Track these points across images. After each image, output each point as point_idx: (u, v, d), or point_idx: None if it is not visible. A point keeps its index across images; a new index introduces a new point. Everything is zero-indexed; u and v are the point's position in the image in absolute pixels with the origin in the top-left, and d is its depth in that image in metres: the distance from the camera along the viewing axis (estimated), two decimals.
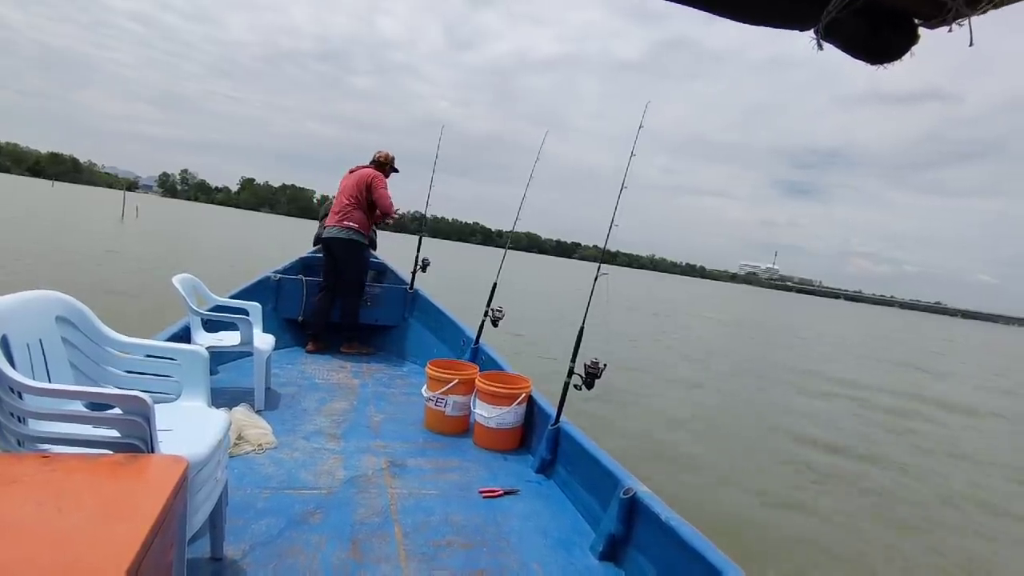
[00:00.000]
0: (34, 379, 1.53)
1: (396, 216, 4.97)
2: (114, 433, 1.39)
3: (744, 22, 1.33)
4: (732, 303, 48.04)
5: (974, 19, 1.14)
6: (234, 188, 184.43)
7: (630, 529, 2.12)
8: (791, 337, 21.91)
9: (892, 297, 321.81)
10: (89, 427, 1.44)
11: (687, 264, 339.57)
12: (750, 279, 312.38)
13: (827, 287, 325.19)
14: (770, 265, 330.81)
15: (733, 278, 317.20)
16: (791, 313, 45.59)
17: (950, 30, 1.21)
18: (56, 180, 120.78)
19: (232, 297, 4.08)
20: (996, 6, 1.08)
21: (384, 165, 4.99)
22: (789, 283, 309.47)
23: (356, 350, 4.93)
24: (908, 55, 1.31)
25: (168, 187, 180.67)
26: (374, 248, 6.01)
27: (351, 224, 4.71)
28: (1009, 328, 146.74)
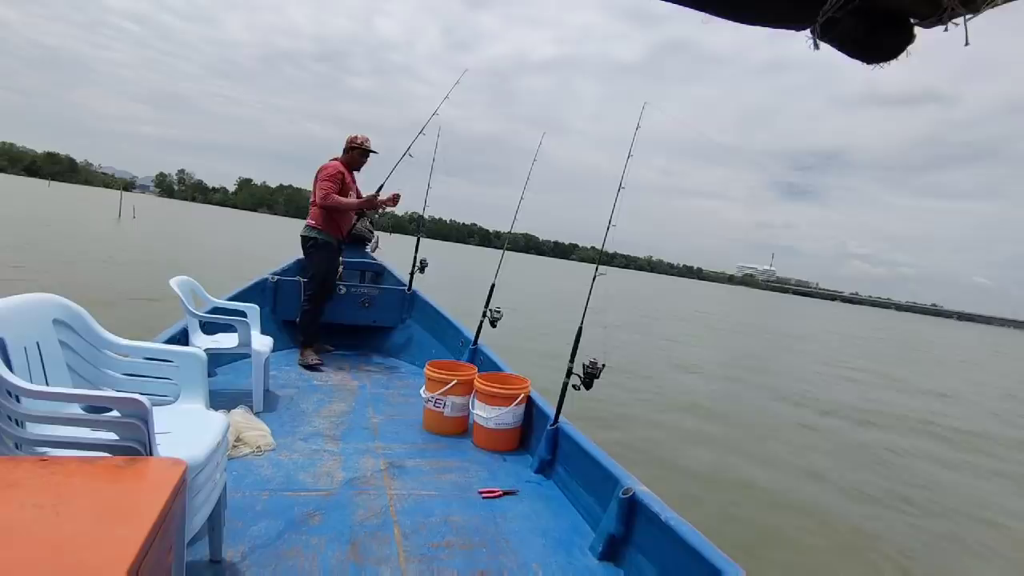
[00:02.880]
0: (32, 382, 1.53)
1: (329, 203, 4.20)
2: (112, 436, 1.39)
3: (740, 22, 1.33)
4: (730, 306, 48.04)
5: (971, 19, 1.14)
6: (231, 188, 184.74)
7: (630, 529, 2.12)
8: (790, 342, 21.91)
9: (889, 299, 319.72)
10: (87, 430, 1.44)
11: (684, 266, 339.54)
12: (747, 281, 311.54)
13: (824, 289, 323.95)
14: (767, 267, 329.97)
15: (730, 280, 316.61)
16: (788, 316, 45.51)
17: (946, 29, 1.21)
18: (52, 180, 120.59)
19: (230, 299, 4.07)
20: (993, 5, 1.08)
21: (349, 151, 4.45)
22: (787, 285, 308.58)
23: (306, 359, 4.37)
24: (904, 55, 1.31)
25: (165, 187, 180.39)
26: (370, 248, 6.00)
27: (308, 221, 4.41)
28: (1005, 330, 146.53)
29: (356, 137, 4.46)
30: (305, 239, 4.40)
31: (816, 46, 1.31)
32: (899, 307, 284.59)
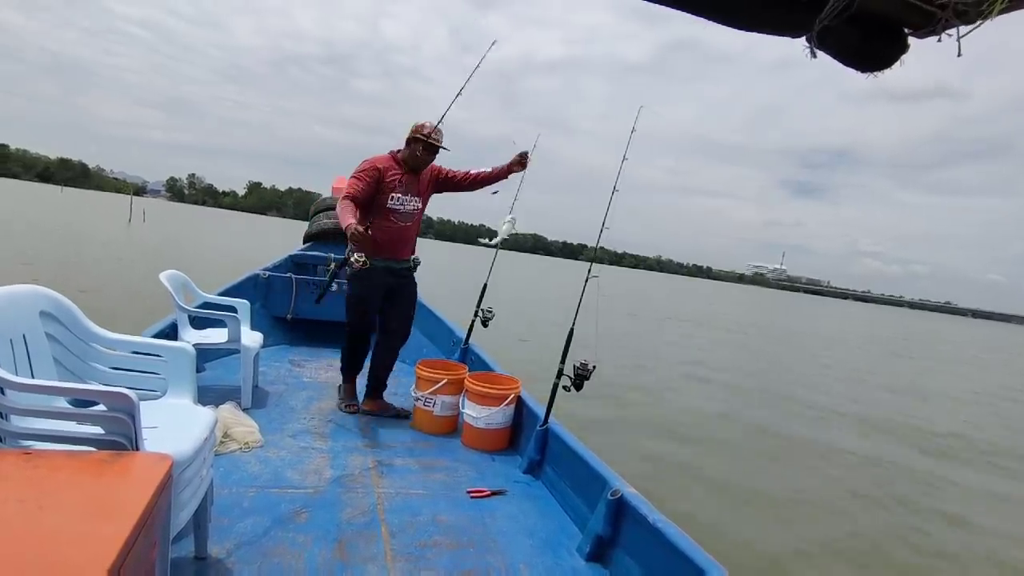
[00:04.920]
0: (17, 375, 1.51)
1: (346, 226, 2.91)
2: (98, 430, 1.38)
3: (737, 28, 1.34)
4: (746, 305, 47.94)
5: (964, 35, 1.16)
6: (241, 192, 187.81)
7: (617, 530, 2.13)
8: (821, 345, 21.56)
9: (901, 297, 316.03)
10: (73, 424, 1.43)
11: (694, 265, 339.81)
12: (758, 280, 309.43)
13: (836, 287, 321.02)
14: (778, 266, 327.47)
15: (740, 279, 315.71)
16: (807, 316, 45.13)
17: (939, 40, 1.23)
18: (65, 185, 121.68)
19: (220, 294, 4.05)
20: (987, 18, 1.10)
21: (407, 141, 3.30)
22: (798, 284, 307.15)
23: (340, 402, 3.52)
24: (898, 63, 1.33)
25: (176, 191, 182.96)
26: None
27: None
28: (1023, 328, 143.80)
29: (423, 125, 3.26)
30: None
31: (813, 54, 1.32)
32: (912, 305, 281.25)
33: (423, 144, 3.25)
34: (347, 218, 2.97)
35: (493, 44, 3.49)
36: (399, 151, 3.33)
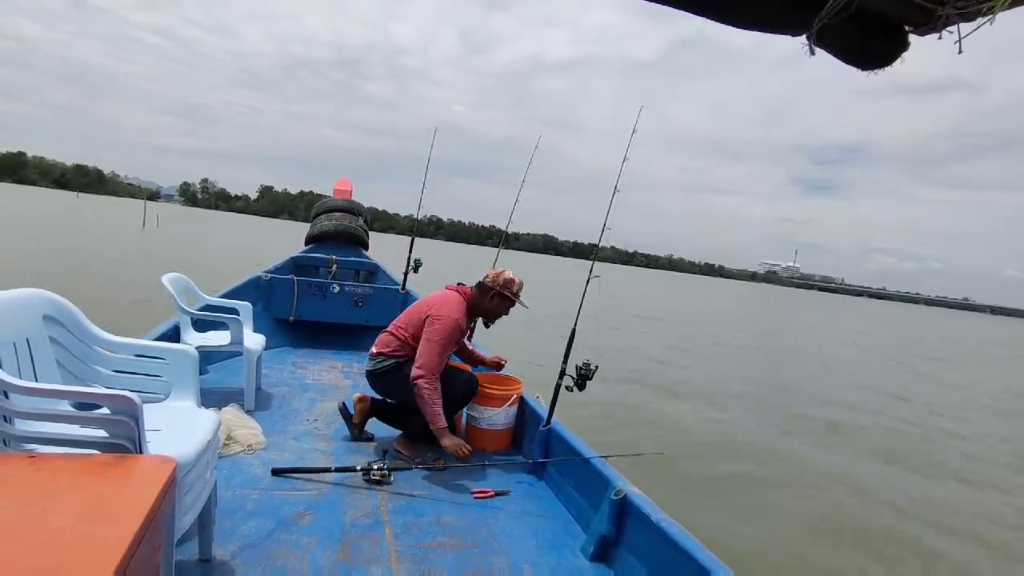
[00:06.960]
0: (20, 378, 1.52)
1: (420, 384, 2.75)
2: (102, 433, 1.38)
3: (737, 27, 1.34)
4: (768, 305, 47.37)
5: (967, 36, 1.15)
6: (253, 196, 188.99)
7: (621, 530, 2.13)
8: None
9: (917, 294, 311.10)
10: (76, 427, 1.43)
11: (706, 264, 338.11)
12: (771, 278, 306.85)
13: (850, 285, 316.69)
14: (791, 263, 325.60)
15: (753, 277, 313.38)
16: (828, 314, 44.49)
17: (940, 37, 1.22)
18: (81, 191, 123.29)
19: (222, 296, 4.05)
20: (985, 14, 1.09)
21: (488, 291, 3.04)
22: (811, 281, 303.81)
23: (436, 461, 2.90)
24: (899, 61, 1.32)
25: (189, 196, 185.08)
26: (366, 248, 5.99)
27: (379, 348, 3.07)
28: None
29: (514, 281, 3.06)
30: (376, 374, 3.04)
31: (812, 52, 1.32)
32: (928, 302, 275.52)
33: (509, 301, 3.08)
34: (439, 419, 2.77)
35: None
36: (469, 292, 3.10)
